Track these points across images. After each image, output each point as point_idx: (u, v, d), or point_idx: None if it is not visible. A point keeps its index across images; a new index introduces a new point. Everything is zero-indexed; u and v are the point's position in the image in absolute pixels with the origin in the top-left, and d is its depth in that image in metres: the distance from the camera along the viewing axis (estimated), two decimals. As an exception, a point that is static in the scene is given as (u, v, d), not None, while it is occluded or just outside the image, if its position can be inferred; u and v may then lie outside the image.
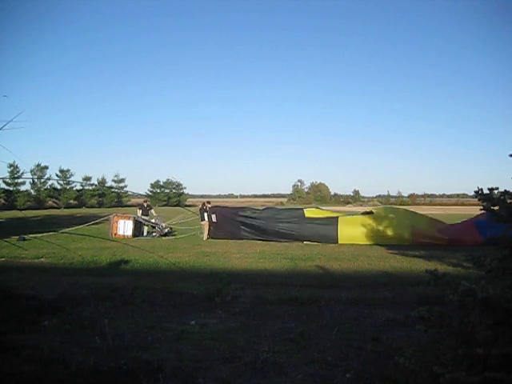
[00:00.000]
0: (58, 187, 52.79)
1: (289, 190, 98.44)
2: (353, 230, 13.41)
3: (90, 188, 54.95)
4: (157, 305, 5.54)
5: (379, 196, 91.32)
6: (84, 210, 43.09)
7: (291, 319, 4.87)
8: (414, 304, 5.18)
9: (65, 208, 48.46)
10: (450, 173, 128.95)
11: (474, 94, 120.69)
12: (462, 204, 64.45)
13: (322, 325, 4.63)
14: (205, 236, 15.21)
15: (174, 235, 16.78)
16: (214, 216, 15.06)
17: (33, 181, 50.84)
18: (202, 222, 15.44)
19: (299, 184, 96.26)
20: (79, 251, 11.09)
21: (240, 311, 5.27)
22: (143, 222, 16.58)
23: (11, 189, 48.26)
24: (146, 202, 18.23)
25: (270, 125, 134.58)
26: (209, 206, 15.89)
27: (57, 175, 52.03)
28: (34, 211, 36.42)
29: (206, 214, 15.33)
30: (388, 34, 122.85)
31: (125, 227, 15.63)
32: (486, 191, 2.68)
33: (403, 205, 51.97)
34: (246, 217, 14.72)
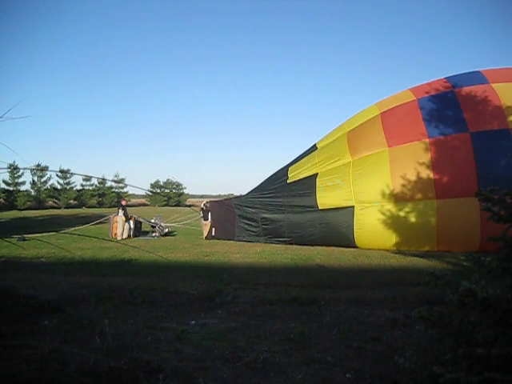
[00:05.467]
0: (58, 187, 52.81)
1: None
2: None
3: (90, 188, 54.96)
4: (157, 305, 5.53)
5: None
6: (84, 210, 43.07)
7: (291, 319, 4.86)
8: (413, 304, 5.18)
9: (65, 208, 48.46)
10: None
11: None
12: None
13: (322, 325, 4.63)
14: (204, 235, 15.14)
15: (174, 235, 16.79)
16: (214, 230, 14.83)
17: (33, 180, 50.85)
18: (205, 222, 15.32)
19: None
20: (79, 251, 11.10)
21: (240, 311, 5.27)
22: (142, 221, 16.59)
23: (11, 189, 48.26)
24: (124, 200, 18.32)
25: (270, 125, 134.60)
26: (207, 204, 15.74)
27: (57, 175, 52.01)
28: (35, 211, 36.44)
29: (209, 214, 15.25)
30: (389, 34, 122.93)
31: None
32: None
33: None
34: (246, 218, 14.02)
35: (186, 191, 68.68)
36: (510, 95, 11.37)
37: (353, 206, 11.93)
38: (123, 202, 17.19)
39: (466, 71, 12.85)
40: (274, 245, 12.78)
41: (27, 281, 7.00)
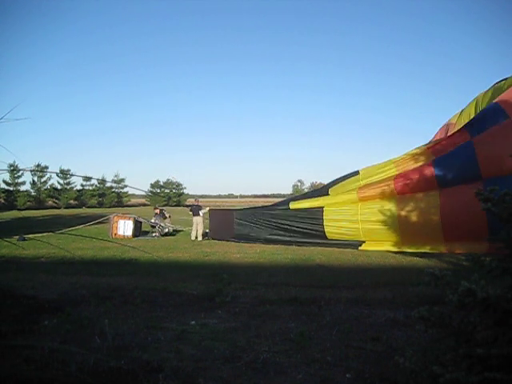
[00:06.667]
0: (58, 187, 52.81)
1: (289, 190, 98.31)
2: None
3: (90, 188, 55.00)
4: (157, 305, 5.54)
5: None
6: (84, 210, 43.07)
7: (291, 319, 4.87)
8: (413, 304, 5.18)
9: (65, 208, 48.46)
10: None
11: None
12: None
13: (321, 325, 4.63)
14: (193, 235, 15.03)
15: (174, 235, 16.79)
16: (210, 232, 14.83)
17: (33, 181, 50.85)
18: (196, 218, 15.20)
19: (299, 184, 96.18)
20: (79, 251, 11.10)
21: (240, 311, 5.27)
22: (142, 221, 16.58)
23: (11, 189, 48.27)
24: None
25: (271, 125, 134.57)
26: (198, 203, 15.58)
27: (57, 175, 51.95)
28: (35, 211, 36.44)
29: (200, 211, 15.16)
30: (390, 33, 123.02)
31: (125, 227, 15.64)
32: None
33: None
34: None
35: (185, 191, 68.61)
36: None
37: (363, 241, 11.98)
38: (196, 203, 16.03)
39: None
40: (273, 245, 12.79)
41: (27, 281, 7.01)
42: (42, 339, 3.91)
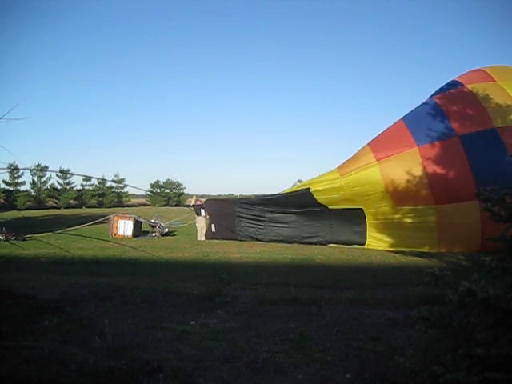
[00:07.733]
0: (58, 187, 52.78)
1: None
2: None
3: (90, 188, 54.99)
4: (157, 305, 5.54)
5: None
6: (84, 210, 43.06)
7: (291, 319, 4.87)
8: (413, 304, 5.18)
9: (65, 208, 48.44)
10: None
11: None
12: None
13: (321, 325, 4.63)
14: (200, 235, 15.02)
15: (174, 235, 16.78)
16: (213, 226, 14.78)
17: (33, 180, 50.84)
18: (198, 218, 15.23)
19: (299, 184, 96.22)
20: (79, 251, 11.09)
21: (240, 311, 5.27)
22: (142, 221, 16.56)
23: (11, 189, 48.26)
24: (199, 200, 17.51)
25: (271, 125, 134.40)
26: (201, 203, 15.62)
27: (57, 175, 51.91)
28: (35, 211, 36.43)
29: (202, 210, 15.18)
30: (390, 34, 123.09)
31: (125, 227, 15.63)
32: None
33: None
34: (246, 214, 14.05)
35: (186, 191, 68.52)
36: (490, 95, 11.44)
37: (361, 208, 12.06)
38: (198, 202, 15.83)
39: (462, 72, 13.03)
40: (274, 245, 12.79)
41: (27, 281, 7.00)
42: (42, 339, 3.91)
